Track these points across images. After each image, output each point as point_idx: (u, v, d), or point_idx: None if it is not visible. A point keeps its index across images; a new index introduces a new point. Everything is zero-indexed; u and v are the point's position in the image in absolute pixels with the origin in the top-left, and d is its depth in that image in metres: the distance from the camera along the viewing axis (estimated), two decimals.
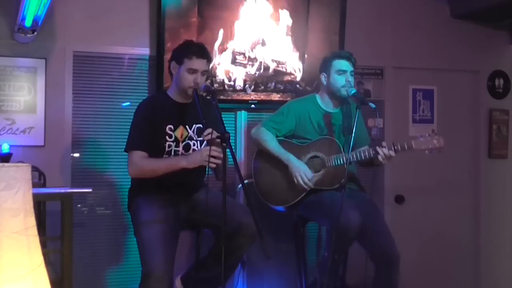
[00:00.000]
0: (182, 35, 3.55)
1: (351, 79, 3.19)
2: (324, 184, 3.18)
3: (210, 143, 2.68)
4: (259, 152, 3.33)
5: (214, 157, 2.67)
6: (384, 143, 3.07)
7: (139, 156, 2.89)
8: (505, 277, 4.70)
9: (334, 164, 3.15)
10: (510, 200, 4.73)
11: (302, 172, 3.13)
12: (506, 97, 4.73)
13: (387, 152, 3.03)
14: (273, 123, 3.28)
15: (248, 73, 3.84)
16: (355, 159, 3.12)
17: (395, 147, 3.06)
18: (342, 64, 3.20)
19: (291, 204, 3.23)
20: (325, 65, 3.27)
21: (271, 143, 3.23)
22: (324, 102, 3.31)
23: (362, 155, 3.11)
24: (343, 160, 3.10)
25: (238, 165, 2.63)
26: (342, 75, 3.19)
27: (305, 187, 3.14)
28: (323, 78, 3.29)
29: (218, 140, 2.63)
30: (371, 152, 3.08)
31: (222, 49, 3.75)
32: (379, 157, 3.06)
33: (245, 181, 3.74)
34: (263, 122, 3.34)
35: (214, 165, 2.67)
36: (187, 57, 2.92)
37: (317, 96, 3.35)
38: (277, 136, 3.27)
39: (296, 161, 3.17)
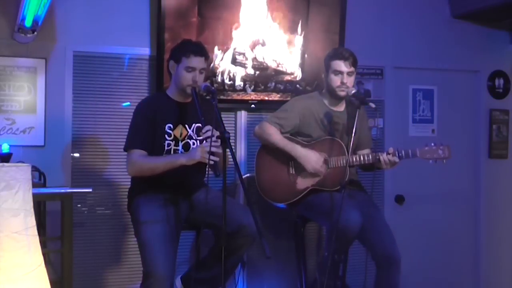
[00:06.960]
0: (182, 35, 3.55)
1: (348, 80, 3.15)
2: (325, 184, 3.17)
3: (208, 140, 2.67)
4: (262, 148, 3.32)
5: (213, 153, 2.67)
6: (390, 150, 3.07)
7: (138, 154, 2.89)
8: (505, 277, 4.70)
9: (336, 165, 3.14)
10: (510, 200, 4.73)
11: (313, 161, 3.13)
12: (506, 97, 4.73)
13: (392, 158, 3.03)
14: (276, 118, 3.25)
15: (248, 73, 3.84)
16: (357, 162, 3.12)
17: (400, 154, 3.06)
18: (339, 64, 3.16)
19: (292, 201, 3.22)
20: (325, 63, 3.26)
21: (276, 136, 3.21)
22: (327, 100, 3.30)
23: (366, 158, 3.10)
24: (345, 162, 3.09)
25: (238, 165, 2.63)
26: (338, 76, 3.16)
27: (320, 173, 3.13)
28: (324, 75, 3.28)
29: (218, 142, 2.63)
30: (375, 157, 3.07)
31: (222, 49, 3.75)
32: (382, 163, 3.06)
33: (246, 175, 3.76)
34: (267, 118, 3.33)
35: (212, 162, 2.66)
36: (185, 55, 2.92)
37: (322, 93, 3.34)
38: (281, 132, 3.24)
39: (303, 150, 3.15)
